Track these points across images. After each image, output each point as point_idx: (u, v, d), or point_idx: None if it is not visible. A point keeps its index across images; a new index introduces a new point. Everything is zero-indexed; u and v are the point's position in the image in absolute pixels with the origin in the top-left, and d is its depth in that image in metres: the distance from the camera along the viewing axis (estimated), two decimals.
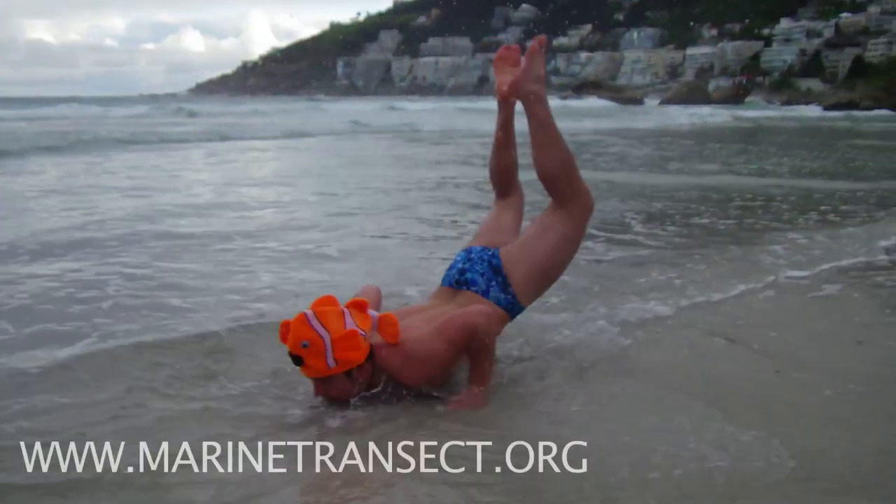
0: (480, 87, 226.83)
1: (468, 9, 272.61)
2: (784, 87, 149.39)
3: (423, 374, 3.39)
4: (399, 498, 2.60)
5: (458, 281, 3.79)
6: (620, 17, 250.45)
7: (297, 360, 3.24)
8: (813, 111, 65.78)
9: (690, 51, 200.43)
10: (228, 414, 3.31)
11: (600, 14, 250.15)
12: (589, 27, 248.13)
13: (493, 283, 3.73)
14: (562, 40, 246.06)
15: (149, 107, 43.85)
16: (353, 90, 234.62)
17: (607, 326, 4.47)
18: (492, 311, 3.54)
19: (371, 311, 3.41)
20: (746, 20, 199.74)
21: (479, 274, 3.76)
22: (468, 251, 3.89)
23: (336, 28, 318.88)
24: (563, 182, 3.79)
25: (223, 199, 9.74)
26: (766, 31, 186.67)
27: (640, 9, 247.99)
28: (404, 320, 3.51)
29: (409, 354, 3.35)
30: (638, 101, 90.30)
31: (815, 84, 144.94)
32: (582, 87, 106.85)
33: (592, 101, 68.28)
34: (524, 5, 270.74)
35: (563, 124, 3.83)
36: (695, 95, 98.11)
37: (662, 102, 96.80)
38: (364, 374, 3.35)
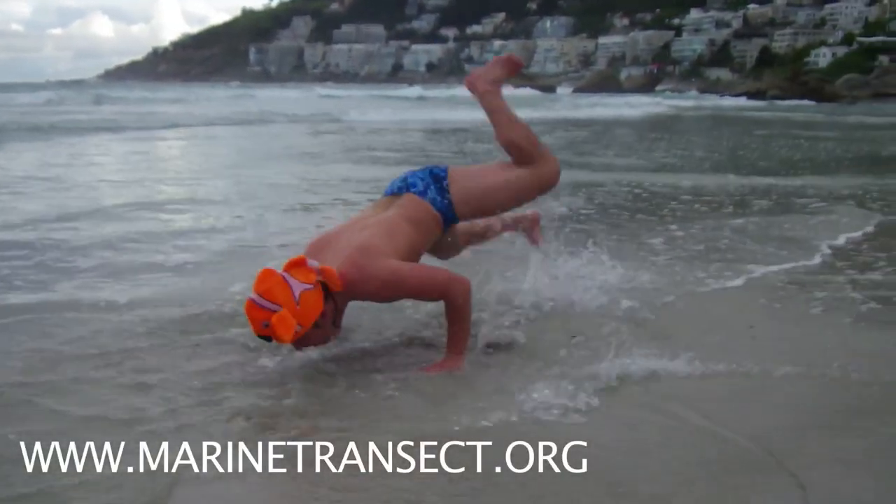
0: (394, 74, 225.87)
1: None
2: (694, 76, 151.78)
3: (382, 295, 3.63)
4: None
5: (399, 186, 3.96)
6: (534, 5, 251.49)
7: (267, 339, 3.38)
8: (737, 102, 65.59)
9: (603, 40, 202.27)
10: None
11: (514, 3, 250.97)
12: (503, 15, 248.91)
13: (432, 186, 3.90)
14: (475, 28, 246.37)
15: (54, 93, 41.99)
16: (265, 77, 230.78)
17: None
18: (467, 284, 3.64)
19: (311, 262, 3.48)
20: (657, 10, 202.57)
21: (420, 178, 3.95)
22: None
23: (248, 14, 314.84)
24: (527, 150, 4.03)
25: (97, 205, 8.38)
26: (676, 21, 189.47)
27: None
28: (346, 234, 3.72)
29: (371, 277, 3.52)
30: (551, 89, 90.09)
31: (724, 73, 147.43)
32: None
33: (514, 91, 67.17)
34: None
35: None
36: (607, 84, 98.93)
37: (576, 91, 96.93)
38: (328, 315, 3.54)
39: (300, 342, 3.49)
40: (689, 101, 60.50)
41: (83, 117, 24.04)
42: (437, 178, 3.92)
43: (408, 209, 3.81)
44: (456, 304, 3.57)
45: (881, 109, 46.96)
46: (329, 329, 3.56)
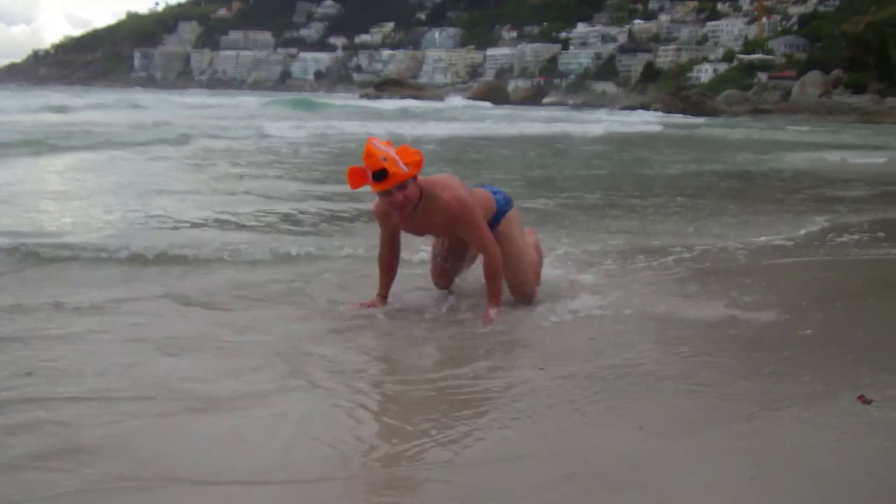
0: (282, 82, 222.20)
1: (270, 3, 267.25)
2: (580, 89, 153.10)
3: (453, 210, 4.61)
4: None
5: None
6: (422, 16, 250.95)
7: (383, 172, 4.33)
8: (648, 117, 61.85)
9: (491, 51, 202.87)
10: None
11: (402, 13, 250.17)
12: (391, 25, 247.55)
13: (500, 196, 5.07)
14: (364, 37, 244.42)
15: None
16: (150, 82, 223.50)
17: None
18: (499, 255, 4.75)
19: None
20: (545, 23, 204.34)
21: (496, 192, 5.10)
22: None
23: (133, 18, 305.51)
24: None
25: None
26: (563, 35, 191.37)
27: (442, 9, 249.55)
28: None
29: (457, 193, 4.63)
30: (439, 100, 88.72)
31: (609, 87, 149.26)
32: (384, 85, 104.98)
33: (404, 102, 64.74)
34: (327, 1, 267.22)
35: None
36: (495, 95, 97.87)
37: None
38: (412, 196, 4.51)
39: (400, 189, 4.41)
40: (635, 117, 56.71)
41: None
42: (505, 201, 5.06)
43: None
44: (496, 261, 4.71)
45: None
46: (410, 207, 4.53)
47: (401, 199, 4.44)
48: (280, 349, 4.07)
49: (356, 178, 4.47)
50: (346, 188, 4.63)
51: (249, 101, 53.96)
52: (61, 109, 30.32)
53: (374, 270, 5.06)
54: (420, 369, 3.95)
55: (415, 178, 4.48)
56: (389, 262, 4.97)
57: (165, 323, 4.50)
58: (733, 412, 3.38)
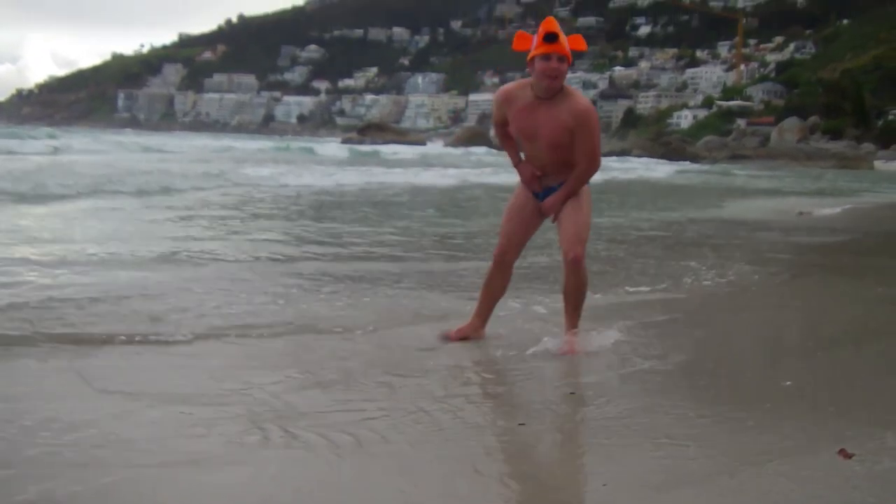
0: (265, 125, 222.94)
1: (255, 46, 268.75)
2: None
3: (586, 143, 4.83)
4: None
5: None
6: (405, 61, 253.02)
7: (555, 36, 4.63)
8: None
9: (473, 97, 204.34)
10: None
11: (386, 58, 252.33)
12: (375, 70, 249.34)
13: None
14: (348, 82, 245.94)
15: None
16: (134, 123, 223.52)
17: None
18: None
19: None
20: (526, 69, 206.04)
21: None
22: None
23: (118, 59, 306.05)
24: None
25: None
26: None
27: (425, 54, 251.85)
28: None
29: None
30: (421, 144, 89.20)
31: None
32: (367, 129, 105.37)
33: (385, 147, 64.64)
34: (311, 45, 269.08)
35: None
36: (477, 140, 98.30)
37: (447, 146, 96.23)
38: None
39: (560, 61, 4.66)
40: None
41: None
42: None
43: None
44: (591, 171, 4.96)
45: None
46: (559, 83, 4.76)
47: (557, 67, 4.63)
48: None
49: (520, 41, 4.80)
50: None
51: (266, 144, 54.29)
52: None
53: None
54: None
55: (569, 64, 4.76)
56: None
57: None
58: (711, 468, 3.27)
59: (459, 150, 67.86)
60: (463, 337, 5.05)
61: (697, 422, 3.79)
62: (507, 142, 5.12)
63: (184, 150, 41.40)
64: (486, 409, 4.06)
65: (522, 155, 5.08)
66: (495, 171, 29.29)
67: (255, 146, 52.14)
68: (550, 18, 4.71)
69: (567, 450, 3.52)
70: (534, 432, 3.67)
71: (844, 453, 3.33)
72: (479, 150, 65.19)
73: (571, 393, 4.27)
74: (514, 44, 4.82)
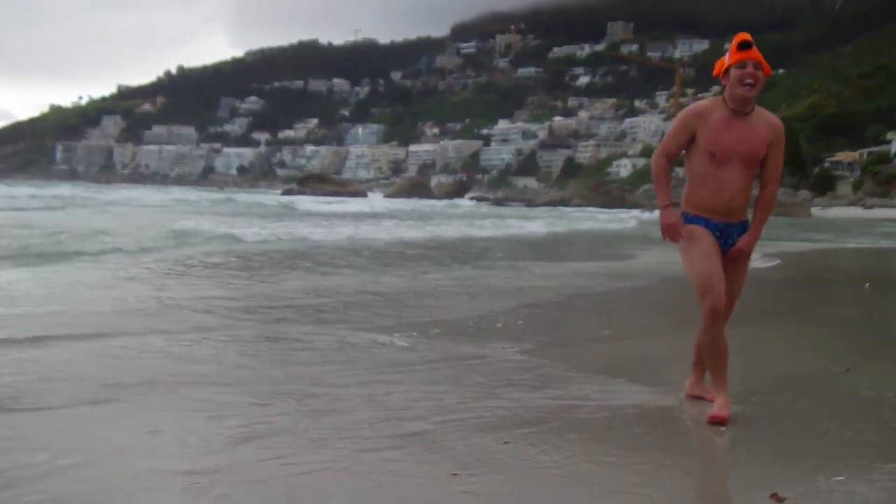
0: (205, 176, 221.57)
1: (194, 97, 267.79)
2: (502, 184, 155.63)
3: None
4: None
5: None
6: (346, 112, 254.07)
7: (749, 43, 4.56)
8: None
9: (413, 148, 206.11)
10: None
11: (326, 109, 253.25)
12: (315, 121, 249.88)
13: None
14: (288, 133, 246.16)
15: None
16: (73, 175, 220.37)
17: None
18: None
19: None
20: (467, 120, 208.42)
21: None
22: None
23: (56, 111, 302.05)
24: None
25: None
26: (485, 131, 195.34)
27: (365, 105, 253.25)
28: None
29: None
30: (362, 195, 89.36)
31: (530, 182, 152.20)
32: (307, 180, 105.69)
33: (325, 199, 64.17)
34: (251, 97, 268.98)
35: None
36: (418, 190, 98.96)
37: (387, 196, 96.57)
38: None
39: (756, 68, 4.56)
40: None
41: None
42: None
43: None
44: (774, 195, 5.05)
45: None
46: (754, 93, 4.61)
47: (754, 73, 4.53)
48: None
49: (719, 67, 4.69)
50: None
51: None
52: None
53: None
54: None
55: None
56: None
57: None
58: None
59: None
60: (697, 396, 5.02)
61: (638, 468, 3.83)
62: (663, 177, 4.90)
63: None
64: None
65: (686, 191, 4.95)
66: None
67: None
68: (742, 33, 4.60)
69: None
70: None
71: (776, 497, 3.40)
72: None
73: (506, 442, 4.27)
74: (714, 70, 4.73)
